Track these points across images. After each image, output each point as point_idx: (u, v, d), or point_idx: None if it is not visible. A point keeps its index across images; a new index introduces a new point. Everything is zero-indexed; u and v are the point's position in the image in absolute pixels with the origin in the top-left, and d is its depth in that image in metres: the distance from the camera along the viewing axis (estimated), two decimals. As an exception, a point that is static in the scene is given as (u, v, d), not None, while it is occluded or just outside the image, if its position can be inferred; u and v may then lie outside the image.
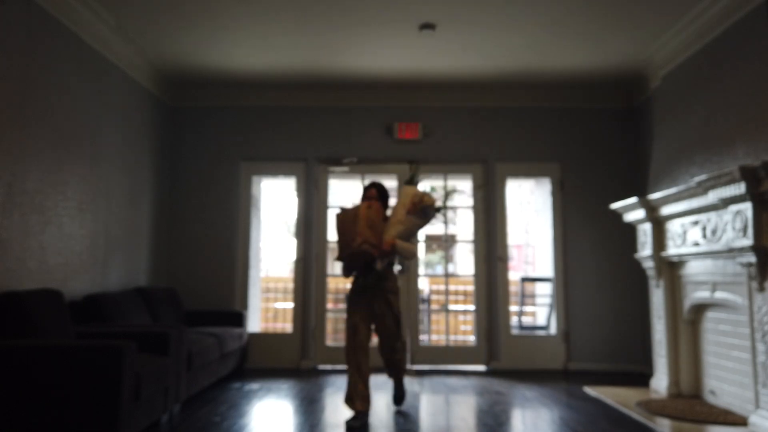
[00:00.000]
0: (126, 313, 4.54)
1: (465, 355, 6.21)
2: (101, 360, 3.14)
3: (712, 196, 3.87)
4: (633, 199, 4.98)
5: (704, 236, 4.24)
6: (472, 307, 6.48)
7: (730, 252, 3.85)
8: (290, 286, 7.07)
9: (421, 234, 5.39)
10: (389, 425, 3.93)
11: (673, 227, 4.72)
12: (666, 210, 4.70)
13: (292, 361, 6.07)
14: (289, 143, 6.32)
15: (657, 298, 5.01)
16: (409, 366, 6.06)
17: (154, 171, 5.88)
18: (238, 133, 6.33)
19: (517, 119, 6.33)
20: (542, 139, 6.30)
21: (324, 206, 6.32)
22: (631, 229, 5.62)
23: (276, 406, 4.51)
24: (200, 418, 4.00)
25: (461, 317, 7.87)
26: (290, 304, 6.66)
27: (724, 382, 4.28)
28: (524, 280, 7.43)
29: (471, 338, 7.00)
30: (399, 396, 4.36)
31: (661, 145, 5.19)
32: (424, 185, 6.57)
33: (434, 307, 8.00)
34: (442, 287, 7.58)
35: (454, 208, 6.77)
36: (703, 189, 3.93)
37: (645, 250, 5.06)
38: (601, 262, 6.11)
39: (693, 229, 4.42)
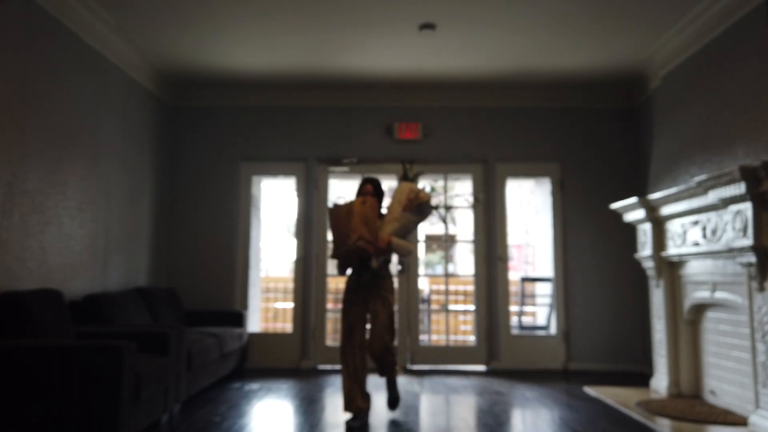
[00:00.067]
0: (126, 313, 4.54)
1: (465, 355, 6.21)
2: (101, 360, 3.14)
3: (712, 196, 3.87)
4: (633, 199, 4.98)
5: (704, 236, 4.24)
6: (472, 307, 6.48)
7: (730, 252, 3.85)
8: (290, 286, 7.07)
9: (422, 234, 5.38)
10: (389, 425, 3.92)
11: (673, 227, 4.71)
12: (666, 210, 4.70)
13: (292, 361, 6.07)
14: (289, 143, 6.32)
15: (657, 298, 5.01)
16: (408, 366, 6.06)
17: (154, 171, 5.88)
18: (238, 133, 6.33)
19: (517, 119, 6.33)
20: (542, 139, 6.29)
21: (324, 206, 6.31)
22: (631, 229, 5.61)
23: (276, 406, 4.51)
24: (200, 418, 4.00)
25: (461, 317, 7.87)
26: (290, 304, 6.66)
27: (724, 382, 4.28)
28: (524, 280, 7.42)
29: (471, 338, 7.00)
30: (393, 399, 4.14)
31: (661, 145, 5.19)
32: (423, 185, 6.56)
33: (434, 307, 8.00)
34: (442, 287, 7.58)
35: (454, 208, 6.74)
36: (703, 189, 3.93)
37: (645, 250, 5.06)
38: (601, 262, 6.11)
39: (693, 229, 4.41)
